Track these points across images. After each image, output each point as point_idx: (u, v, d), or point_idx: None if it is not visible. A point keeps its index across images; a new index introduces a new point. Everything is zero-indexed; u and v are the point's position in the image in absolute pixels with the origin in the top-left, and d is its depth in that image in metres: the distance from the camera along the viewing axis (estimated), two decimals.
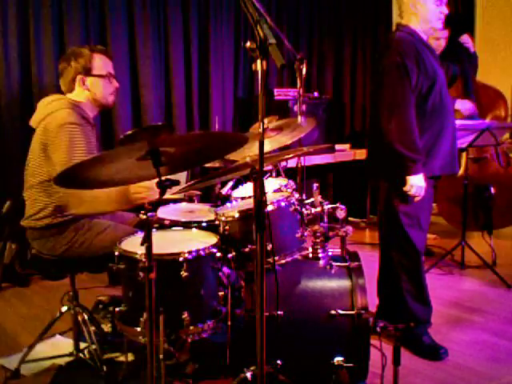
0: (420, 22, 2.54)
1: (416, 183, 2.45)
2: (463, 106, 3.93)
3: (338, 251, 2.34)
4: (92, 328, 2.42)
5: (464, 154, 3.88)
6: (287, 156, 2.40)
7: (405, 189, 2.47)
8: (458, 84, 4.12)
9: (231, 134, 2.32)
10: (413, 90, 2.45)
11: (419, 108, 2.49)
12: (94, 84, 2.40)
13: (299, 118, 2.63)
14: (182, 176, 2.56)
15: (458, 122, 3.41)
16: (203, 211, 2.61)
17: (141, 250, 1.86)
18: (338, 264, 2.25)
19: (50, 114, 2.29)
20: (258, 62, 1.47)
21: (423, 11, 2.52)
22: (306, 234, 2.26)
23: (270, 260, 2.04)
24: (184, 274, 1.89)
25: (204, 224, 2.34)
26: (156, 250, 1.62)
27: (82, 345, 2.46)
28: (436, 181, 2.67)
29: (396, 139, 2.44)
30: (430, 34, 2.62)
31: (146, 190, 2.14)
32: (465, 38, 4.03)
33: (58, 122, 2.24)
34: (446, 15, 2.57)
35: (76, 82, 2.39)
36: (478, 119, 3.93)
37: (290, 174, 3.01)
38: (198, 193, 2.73)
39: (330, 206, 2.35)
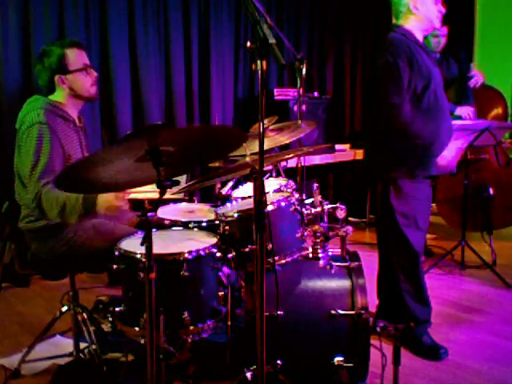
0: (421, 22, 2.56)
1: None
2: (462, 111, 3.93)
3: (338, 251, 2.34)
4: (92, 328, 2.42)
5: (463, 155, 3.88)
6: (287, 156, 2.40)
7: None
8: (456, 87, 4.11)
9: (231, 129, 2.31)
10: (406, 89, 2.46)
11: (415, 107, 2.50)
12: (73, 80, 2.35)
13: (299, 121, 2.63)
14: (181, 176, 2.56)
15: (458, 122, 3.41)
16: (203, 211, 2.61)
17: (141, 250, 1.86)
18: (338, 264, 2.25)
19: (25, 115, 2.28)
20: (258, 62, 1.47)
21: (424, 11, 2.54)
22: (306, 234, 2.26)
23: (270, 260, 2.04)
24: (184, 273, 1.89)
25: (204, 224, 2.34)
26: (156, 249, 1.62)
27: (82, 345, 2.46)
28: (434, 181, 2.67)
29: (396, 136, 2.46)
30: (429, 32, 2.63)
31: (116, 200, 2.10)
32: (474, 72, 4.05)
33: (28, 123, 2.24)
34: (444, 14, 2.59)
35: (55, 83, 2.35)
36: (477, 119, 3.93)
37: (290, 173, 3.01)
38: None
39: (330, 206, 2.36)
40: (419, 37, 2.59)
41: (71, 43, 2.39)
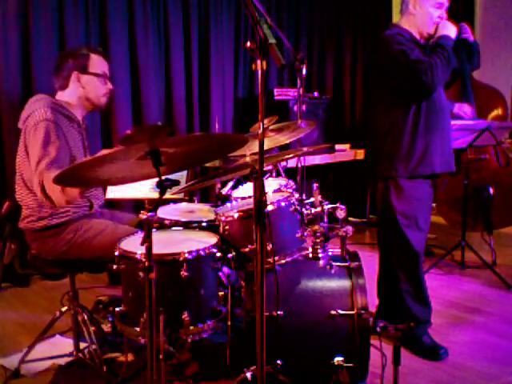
0: (415, 24, 2.57)
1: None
2: (461, 109, 3.91)
3: (338, 251, 2.34)
4: (92, 328, 2.42)
5: (463, 154, 3.87)
6: (287, 156, 2.40)
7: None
8: (457, 86, 4.10)
9: (231, 136, 2.33)
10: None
11: (414, 106, 2.51)
12: (88, 82, 2.40)
13: (299, 121, 2.63)
14: (182, 176, 2.57)
15: (459, 122, 3.41)
16: (203, 211, 2.61)
17: (141, 250, 1.86)
18: (338, 264, 2.25)
19: (30, 114, 2.28)
20: (258, 62, 1.47)
21: (421, 14, 2.54)
22: (306, 234, 2.26)
23: (270, 260, 2.04)
24: (184, 274, 1.89)
25: (204, 224, 2.34)
26: (156, 250, 1.62)
27: (82, 345, 2.46)
28: (434, 181, 2.67)
29: (395, 134, 2.50)
30: (423, 37, 2.61)
31: None
32: (464, 28, 3.96)
33: (34, 121, 2.24)
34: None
35: (71, 79, 2.39)
36: (477, 119, 3.93)
37: (290, 174, 3.01)
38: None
39: (330, 205, 2.35)
40: (418, 36, 2.59)
41: (99, 51, 2.49)
